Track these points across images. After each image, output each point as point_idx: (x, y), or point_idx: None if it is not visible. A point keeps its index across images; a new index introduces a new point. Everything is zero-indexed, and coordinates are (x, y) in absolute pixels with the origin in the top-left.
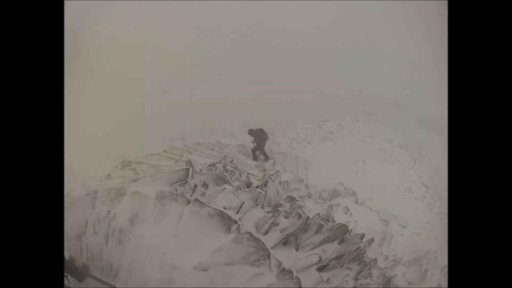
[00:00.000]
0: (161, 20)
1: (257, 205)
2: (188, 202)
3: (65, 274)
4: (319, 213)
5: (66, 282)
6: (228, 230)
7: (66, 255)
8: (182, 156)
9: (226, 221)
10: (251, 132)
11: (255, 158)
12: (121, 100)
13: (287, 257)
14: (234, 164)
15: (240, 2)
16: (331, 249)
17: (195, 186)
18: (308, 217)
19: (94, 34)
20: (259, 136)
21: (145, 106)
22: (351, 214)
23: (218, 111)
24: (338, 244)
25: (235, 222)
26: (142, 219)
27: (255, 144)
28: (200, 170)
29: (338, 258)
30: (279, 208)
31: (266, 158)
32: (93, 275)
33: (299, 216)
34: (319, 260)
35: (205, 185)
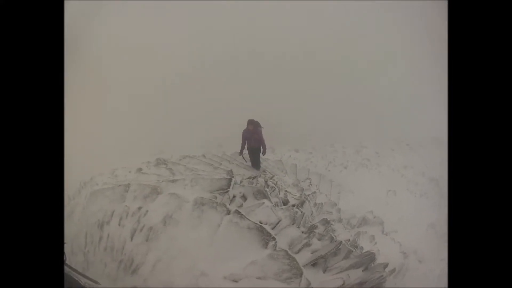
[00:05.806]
0: (164, 18)
1: (293, 224)
2: (228, 212)
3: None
4: (349, 239)
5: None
6: (265, 245)
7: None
8: (221, 164)
9: (265, 236)
10: (246, 132)
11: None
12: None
13: (314, 277)
14: (274, 180)
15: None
16: (355, 275)
17: (234, 196)
18: (341, 242)
19: (94, 34)
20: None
21: (182, 107)
22: (376, 243)
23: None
24: (362, 271)
25: (273, 238)
26: (176, 221)
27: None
28: (241, 181)
29: (360, 284)
30: (314, 230)
31: (264, 151)
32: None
33: (332, 239)
34: (343, 284)
35: (244, 197)
